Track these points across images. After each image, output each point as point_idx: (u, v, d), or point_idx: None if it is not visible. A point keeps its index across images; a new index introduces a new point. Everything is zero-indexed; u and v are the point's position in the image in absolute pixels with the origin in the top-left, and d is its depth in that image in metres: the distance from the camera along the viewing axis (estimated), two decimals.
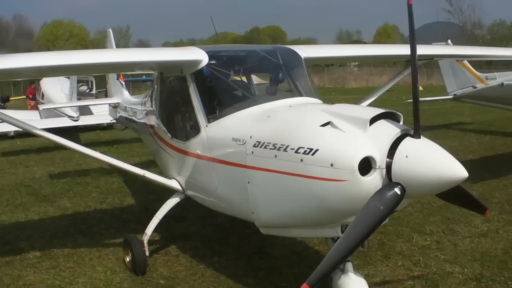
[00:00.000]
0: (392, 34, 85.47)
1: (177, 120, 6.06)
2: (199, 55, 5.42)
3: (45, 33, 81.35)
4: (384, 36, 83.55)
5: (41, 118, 18.93)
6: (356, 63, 48.36)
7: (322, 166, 3.89)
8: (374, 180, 3.79)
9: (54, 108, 17.69)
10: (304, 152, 4.02)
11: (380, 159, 3.79)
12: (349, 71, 50.84)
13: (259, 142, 4.44)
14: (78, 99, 20.52)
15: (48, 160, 13.82)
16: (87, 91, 24.70)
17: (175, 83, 6.03)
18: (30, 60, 4.95)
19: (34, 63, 4.93)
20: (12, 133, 17.39)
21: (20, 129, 17.99)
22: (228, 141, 4.88)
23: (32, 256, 6.61)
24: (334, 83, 46.28)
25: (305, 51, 6.06)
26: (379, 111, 4.03)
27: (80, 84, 27.39)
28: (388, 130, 3.88)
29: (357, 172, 3.75)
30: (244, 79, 5.73)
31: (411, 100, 3.91)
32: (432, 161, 3.63)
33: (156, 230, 7.22)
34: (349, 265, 4.59)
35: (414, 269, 5.77)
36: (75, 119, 16.92)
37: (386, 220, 4.36)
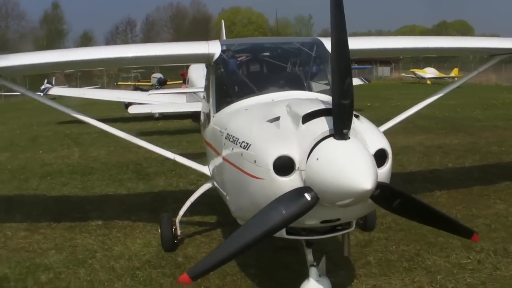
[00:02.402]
0: None
1: (204, 109, 6.37)
2: (212, 48, 5.64)
3: (222, 19, 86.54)
4: None
5: (187, 102, 20.68)
6: None
7: (250, 162, 3.82)
8: (292, 182, 3.56)
9: (194, 93, 19.16)
10: (243, 147, 3.99)
11: (300, 160, 3.55)
12: None
13: (228, 134, 4.52)
14: None
15: (176, 142, 15.03)
16: None
17: (207, 74, 6.32)
18: (26, 59, 5.64)
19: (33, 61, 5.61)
20: (157, 115, 19.13)
21: (166, 112, 19.87)
22: (217, 131, 5.06)
23: (94, 224, 7.48)
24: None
25: None
26: (319, 107, 3.74)
27: None
28: (316, 129, 3.58)
29: (272, 171, 3.59)
30: (256, 71, 5.75)
31: None
32: (335, 167, 3.30)
33: (217, 214, 7.67)
34: (312, 270, 4.36)
35: None
36: None
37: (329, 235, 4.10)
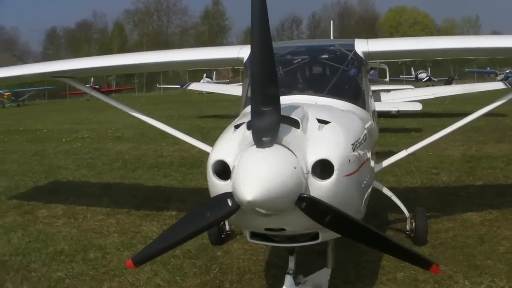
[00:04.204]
0: None
1: None
2: (241, 53, 5.90)
3: (388, 19, 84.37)
4: None
5: None
6: None
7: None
8: (227, 187, 3.65)
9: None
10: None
11: (233, 166, 3.64)
12: None
13: None
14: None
15: None
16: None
17: None
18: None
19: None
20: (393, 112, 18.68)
21: None
22: None
23: (167, 214, 8.04)
24: None
25: (368, 45, 5.78)
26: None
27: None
28: (251, 136, 3.60)
29: (212, 174, 3.78)
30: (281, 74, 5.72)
31: None
32: (237, 175, 3.38)
33: None
34: (287, 279, 4.36)
35: None
36: None
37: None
